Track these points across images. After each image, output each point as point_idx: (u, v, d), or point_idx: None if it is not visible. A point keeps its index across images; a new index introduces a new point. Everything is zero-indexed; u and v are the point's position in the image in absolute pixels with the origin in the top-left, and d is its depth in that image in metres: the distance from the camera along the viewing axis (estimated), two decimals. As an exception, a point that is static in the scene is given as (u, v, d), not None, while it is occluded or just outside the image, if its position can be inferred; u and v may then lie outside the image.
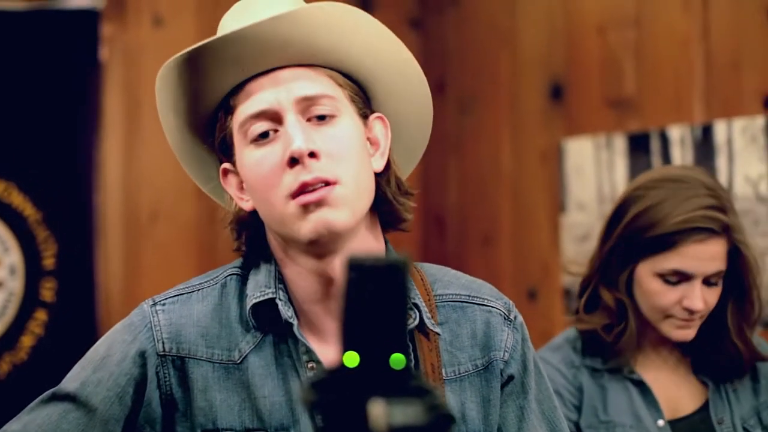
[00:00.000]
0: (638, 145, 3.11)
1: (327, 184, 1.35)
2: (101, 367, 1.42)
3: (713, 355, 2.10)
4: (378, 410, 0.83)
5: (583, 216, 3.30)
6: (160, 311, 1.45)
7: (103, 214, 3.43)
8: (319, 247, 1.39)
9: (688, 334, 2.06)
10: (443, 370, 1.44)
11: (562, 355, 2.12)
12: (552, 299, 3.39)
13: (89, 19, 3.35)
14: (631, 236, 2.05)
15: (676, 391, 2.13)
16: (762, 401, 2.13)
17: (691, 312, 2.02)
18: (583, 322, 2.11)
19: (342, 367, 0.87)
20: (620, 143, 3.17)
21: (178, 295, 1.47)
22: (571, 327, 2.18)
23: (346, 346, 0.87)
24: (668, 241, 2.01)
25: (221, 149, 1.45)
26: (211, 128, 1.46)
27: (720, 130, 2.85)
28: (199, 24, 3.59)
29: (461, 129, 3.78)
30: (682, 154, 2.95)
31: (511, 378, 1.50)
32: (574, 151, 3.33)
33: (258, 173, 1.38)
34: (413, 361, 1.41)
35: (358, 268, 0.87)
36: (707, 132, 2.89)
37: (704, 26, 2.95)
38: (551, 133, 3.45)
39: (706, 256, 2.00)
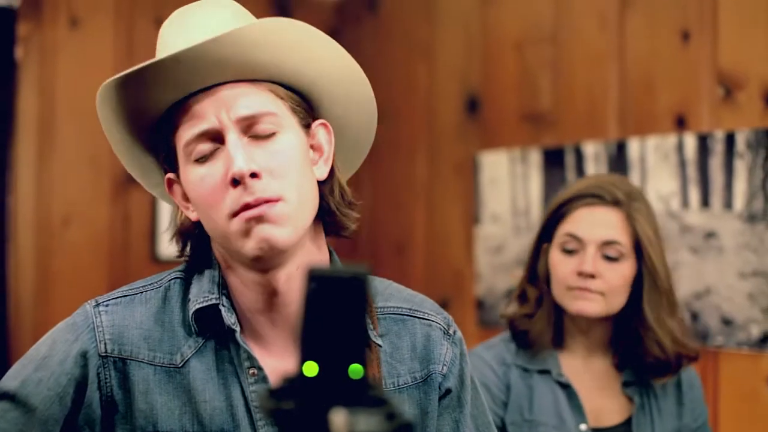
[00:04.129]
0: (553, 160, 3.17)
1: (268, 201, 1.36)
2: (42, 366, 1.40)
3: (640, 355, 2.14)
4: (340, 419, 0.85)
5: (497, 228, 3.35)
6: (102, 312, 1.44)
7: (15, 217, 3.37)
8: (263, 263, 1.40)
9: (585, 306, 2.10)
10: (383, 382, 1.46)
11: (494, 352, 2.20)
12: (464, 309, 3.43)
13: (5, 17, 3.29)
14: (543, 224, 2.20)
15: (601, 401, 2.18)
16: (684, 423, 2.19)
17: (584, 277, 2.09)
18: (507, 314, 2.23)
19: (301, 376, 0.88)
20: (535, 157, 3.23)
21: (120, 297, 1.47)
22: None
23: (306, 356, 0.88)
24: (561, 212, 2.15)
25: (166, 161, 1.46)
26: (155, 139, 1.46)
27: (633, 147, 2.93)
28: (115, 25, 3.55)
29: (376, 139, 3.76)
30: (596, 170, 3.01)
31: (448, 391, 1.52)
32: (489, 163, 3.39)
33: (200, 191, 1.39)
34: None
35: (318, 279, 0.88)
36: (621, 148, 2.96)
37: (620, 46, 3.03)
38: (467, 146, 3.50)
39: (593, 220, 2.10)
